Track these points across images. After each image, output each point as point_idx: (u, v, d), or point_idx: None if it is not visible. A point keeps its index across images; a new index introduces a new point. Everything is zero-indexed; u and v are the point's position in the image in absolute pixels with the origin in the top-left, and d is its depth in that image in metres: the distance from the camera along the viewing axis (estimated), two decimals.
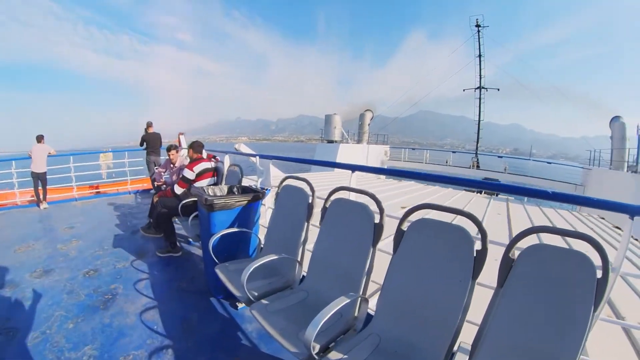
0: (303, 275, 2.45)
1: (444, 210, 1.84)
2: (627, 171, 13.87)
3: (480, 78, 26.40)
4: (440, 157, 23.72)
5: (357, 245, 2.08)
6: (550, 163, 22.67)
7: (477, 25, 26.42)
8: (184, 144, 9.10)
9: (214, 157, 5.01)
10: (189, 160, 4.63)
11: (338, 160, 18.45)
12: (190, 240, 4.68)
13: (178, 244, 4.32)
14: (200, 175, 4.26)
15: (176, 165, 5.35)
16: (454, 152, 24.28)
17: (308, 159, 4.08)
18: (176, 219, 4.21)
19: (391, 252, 1.93)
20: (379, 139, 24.51)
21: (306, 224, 2.54)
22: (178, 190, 4.27)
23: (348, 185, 2.61)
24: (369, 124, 23.63)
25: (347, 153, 19.66)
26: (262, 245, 2.96)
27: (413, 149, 24.60)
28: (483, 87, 26.42)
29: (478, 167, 23.22)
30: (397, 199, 9.31)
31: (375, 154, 22.26)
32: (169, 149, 5.33)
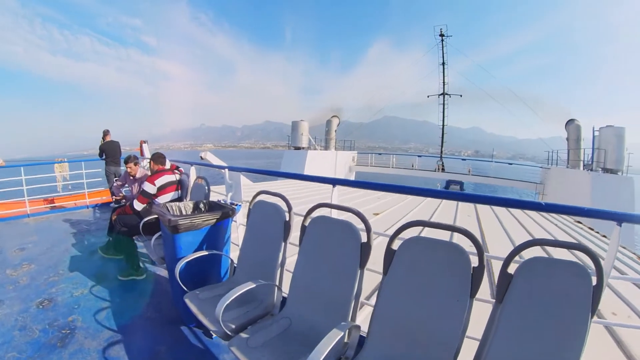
0: (283, 297, 2.25)
1: (438, 227, 1.75)
2: (584, 169, 14.93)
3: (444, 85, 27.37)
4: (407, 161, 24.28)
5: (343, 267, 1.94)
6: (511, 164, 23.82)
7: (442, 35, 27.50)
8: (147, 153, 8.63)
9: (177, 168, 4.64)
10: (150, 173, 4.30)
11: (307, 168, 18.40)
12: None
13: (142, 265, 3.98)
14: (162, 189, 3.94)
15: (137, 177, 4.97)
16: (419, 156, 25.05)
17: (283, 172, 3.94)
18: (138, 238, 3.89)
19: (380, 271, 1.83)
20: (346, 144, 24.69)
21: (283, 244, 2.35)
22: (138, 206, 3.92)
23: (329, 202, 2.43)
24: (335, 130, 23.72)
25: (315, 160, 19.60)
26: (235, 266, 2.73)
27: (380, 154, 25.02)
28: (447, 94, 27.43)
29: (443, 169, 23.88)
30: (368, 205, 9.22)
31: (343, 160, 22.43)
32: (126, 161, 4.91)
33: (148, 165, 4.99)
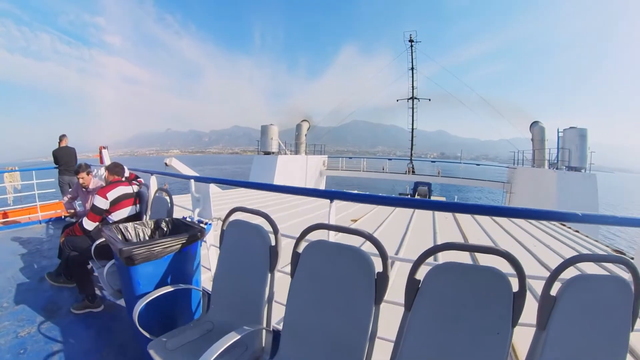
0: (273, 338, 1.87)
1: (476, 251, 1.49)
2: (550, 168, 15.94)
3: (413, 89, 27.88)
4: (377, 164, 24.54)
5: (353, 302, 1.59)
6: (479, 165, 24.53)
7: (411, 40, 28.06)
8: (107, 160, 7.83)
9: (137, 177, 4.10)
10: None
11: (278, 173, 17.97)
12: None
13: (99, 293, 3.40)
14: (116, 204, 3.40)
15: (90, 189, 4.36)
16: (390, 159, 25.36)
17: (271, 185, 3.48)
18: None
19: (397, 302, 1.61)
20: (316, 149, 24.50)
21: (269, 274, 1.94)
22: (88, 225, 3.33)
23: (326, 222, 2.03)
24: (305, 134, 23.46)
25: (286, 165, 19.20)
26: (208, 299, 2.29)
27: (350, 157, 25.13)
28: (416, 98, 27.88)
29: (413, 172, 24.25)
30: (344, 212, 8.75)
31: (314, 165, 22.26)
32: (77, 171, 4.29)
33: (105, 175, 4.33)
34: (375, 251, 1.60)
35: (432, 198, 21.10)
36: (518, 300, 1.32)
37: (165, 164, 11.90)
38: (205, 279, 2.74)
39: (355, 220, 7.50)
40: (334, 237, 2.09)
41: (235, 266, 2.11)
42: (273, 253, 1.94)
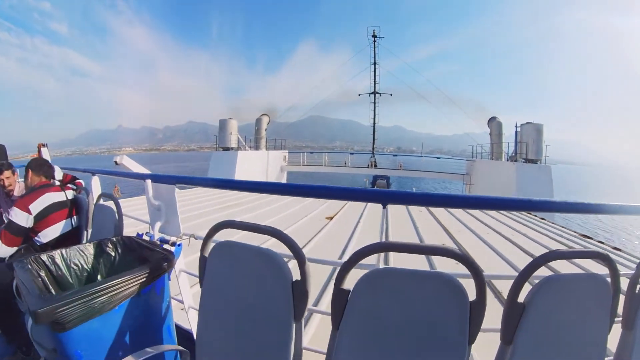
0: None
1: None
2: (508, 161, 16.91)
3: (375, 84, 27.92)
4: (338, 159, 24.56)
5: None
6: (439, 158, 25.26)
7: (374, 36, 28.18)
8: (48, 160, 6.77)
9: (74, 179, 3.17)
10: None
11: (238, 170, 17.17)
12: None
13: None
14: (43, 218, 2.46)
15: (14, 195, 3.28)
16: (351, 153, 25.46)
17: (281, 184, 2.66)
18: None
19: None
20: (277, 144, 23.87)
21: (295, 325, 1.24)
22: (3, 251, 2.32)
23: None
24: (265, 129, 22.70)
25: (247, 161, 18.33)
26: None
27: (311, 152, 24.94)
28: (378, 92, 27.91)
29: (376, 166, 24.49)
30: (318, 208, 8.08)
31: (274, 161, 21.60)
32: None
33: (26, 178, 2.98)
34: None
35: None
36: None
37: (115, 162, 10.76)
38: (178, 319, 1.97)
39: (331, 218, 6.99)
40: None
41: (233, 315, 1.38)
42: (299, 292, 1.24)
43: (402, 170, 23.44)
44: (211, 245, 1.47)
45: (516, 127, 16.36)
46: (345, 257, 3.59)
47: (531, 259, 1.16)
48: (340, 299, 1.15)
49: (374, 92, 27.68)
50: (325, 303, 2.75)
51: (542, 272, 1.24)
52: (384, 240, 1.46)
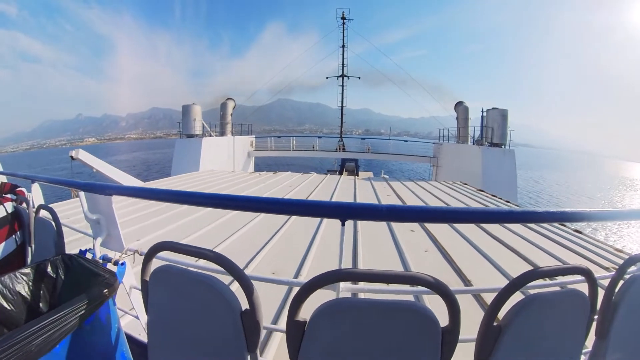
0: None
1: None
2: (474, 144, 17.45)
3: (343, 67, 27.72)
4: (307, 143, 24.45)
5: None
6: (406, 141, 25.63)
7: (343, 18, 27.79)
8: None
9: (15, 188, 2.72)
10: None
11: (203, 157, 16.64)
12: None
13: None
14: None
15: None
16: (319, 137, 25.43)
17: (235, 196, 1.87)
18: None
19: None
20: (243, 129, 23.41)
21: (249, 356, 1.16)
22: None
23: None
24: (231, 114, 22.08)
25: (212, 147, 17.77)
26: None
27: (279, 137, 24.74)
28: (346, 75, 27.79)
29: (344, 149, 24.56)
30: (285, 194, 7.82)
31: (241, 146, 21.20)
32: None
33: None
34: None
35: (360, 174, 21.79)
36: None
37: (71, 157, 10.00)
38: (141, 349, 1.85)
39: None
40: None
41: (181, 347, 1.28)
42: (249, 323, 1.14)
43: (370, 153, 23.63)
44: (152, 266, 1.33)
45: (482, 111, 16.93)
46: (303, 275, 3.29)
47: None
48: (296, 332, 1.06)
49: (342, 75, 27.55)
50: (285, 321, 2.50)
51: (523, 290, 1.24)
52: (344, 261, 1.35)
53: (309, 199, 7.27)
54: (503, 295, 1.11)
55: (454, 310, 1.03)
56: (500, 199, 8.77)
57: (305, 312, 1.09)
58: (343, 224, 1.38)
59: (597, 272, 1.32)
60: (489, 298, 2.78)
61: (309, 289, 1.07)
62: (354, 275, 1.11)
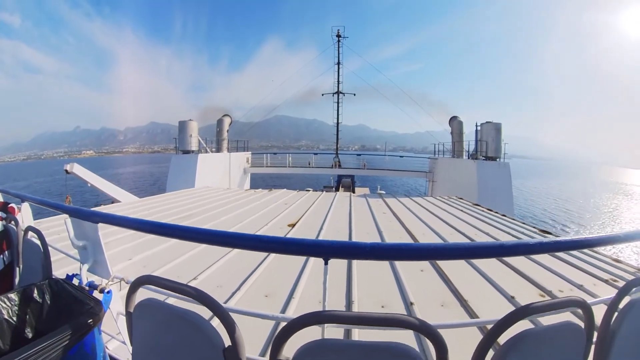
0: None
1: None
2: (469, 158, 17.55)
3: (339, 84, 27.91)
4: (303, 160, 24.47)
5: None
6: (402, 156, 25.74)
7: (338, 36, 28.10)
8: None
9: (7, 205, 2.66)
10: None
11: (199, 174, 16.61)
12: None
13: None
14: None
15: None
16: (315, 153, 25.47)
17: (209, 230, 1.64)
18: None
19: None
20: (239, 145, 23.33)
21: None
22: None
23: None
24: (227, 130, 22.15)
25: (208, 164, 17.71)
26: None
27: (275, 153, 24.72)
28: (341, 92, 27.98)
29: (340, 166, 24.55)
30: (280, 213, 7.84)
31: (237, 163, 21.17)
32: None
33: None
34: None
35: (356, 189, 21.92)
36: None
37: (66, 170, 9.96)
38: None
39: (293, 225, 6.63)
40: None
41: None
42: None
43: (366, 169, 23.73)
44: (136, 299, 1.32)
45: (476, 126, 17.04)
46: (292, 308, 3.16)
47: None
48: None
49: (337, 92, 27.73)
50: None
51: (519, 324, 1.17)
52: (328, 301, 1.33)
53: (301, 219, 7.26)
54: (492, 335, 1.09)
55: (441, 352, 1.01)
56: (496, 212, 8.72)
57: (289, 349, 1.06)
58: (326, 263, 1.33)
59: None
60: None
61: (290, 329, 1.05)
62: (336, 319, 1.09)
